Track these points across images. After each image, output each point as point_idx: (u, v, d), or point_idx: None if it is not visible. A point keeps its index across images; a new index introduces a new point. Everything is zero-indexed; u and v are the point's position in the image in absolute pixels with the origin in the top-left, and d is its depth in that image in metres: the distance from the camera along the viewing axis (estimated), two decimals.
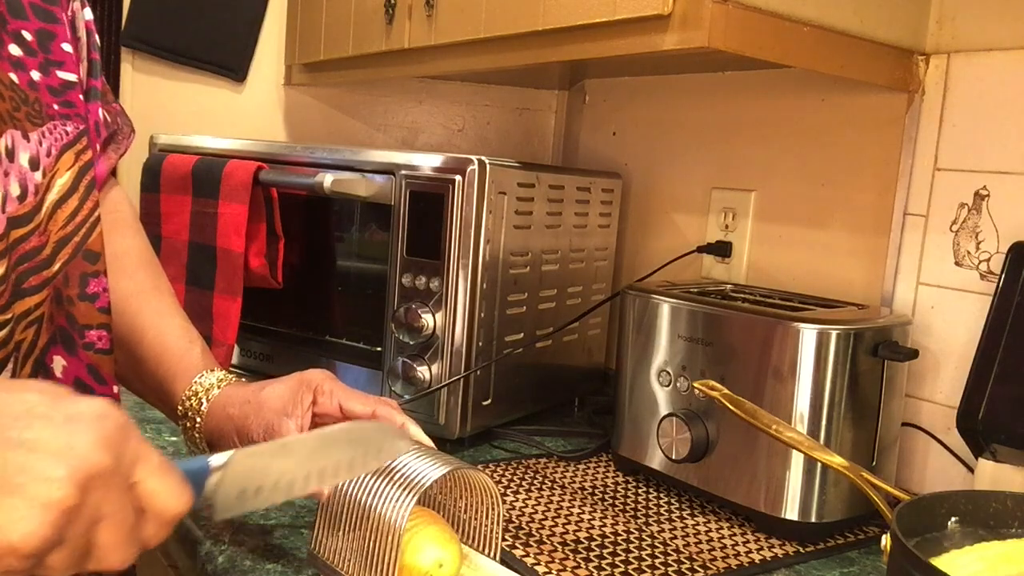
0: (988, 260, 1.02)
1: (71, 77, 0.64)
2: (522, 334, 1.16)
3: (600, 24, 0.92)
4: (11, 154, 0.57)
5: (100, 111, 0.73)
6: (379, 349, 1.13)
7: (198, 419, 0.75)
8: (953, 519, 0.69)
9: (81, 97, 0.66)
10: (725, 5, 0.84)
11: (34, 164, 0.59)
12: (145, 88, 1.49)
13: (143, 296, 0.80)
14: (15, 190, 0.57)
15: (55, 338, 0.63)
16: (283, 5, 1.52)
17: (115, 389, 0.70)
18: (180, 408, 0.77)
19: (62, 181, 0.62)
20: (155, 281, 0.82)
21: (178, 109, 1.50)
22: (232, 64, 1.51)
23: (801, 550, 0.89)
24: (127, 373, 0.78)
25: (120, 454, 0.44)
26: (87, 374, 0.65)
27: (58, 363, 0.63)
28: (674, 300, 1.00)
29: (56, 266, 0.62)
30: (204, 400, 0.75)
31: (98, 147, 0.72)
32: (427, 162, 1.07)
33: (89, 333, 0.65)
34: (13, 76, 0.59)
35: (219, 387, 0.76)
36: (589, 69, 1.47)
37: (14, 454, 0.41)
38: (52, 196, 0.61)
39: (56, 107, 0.62)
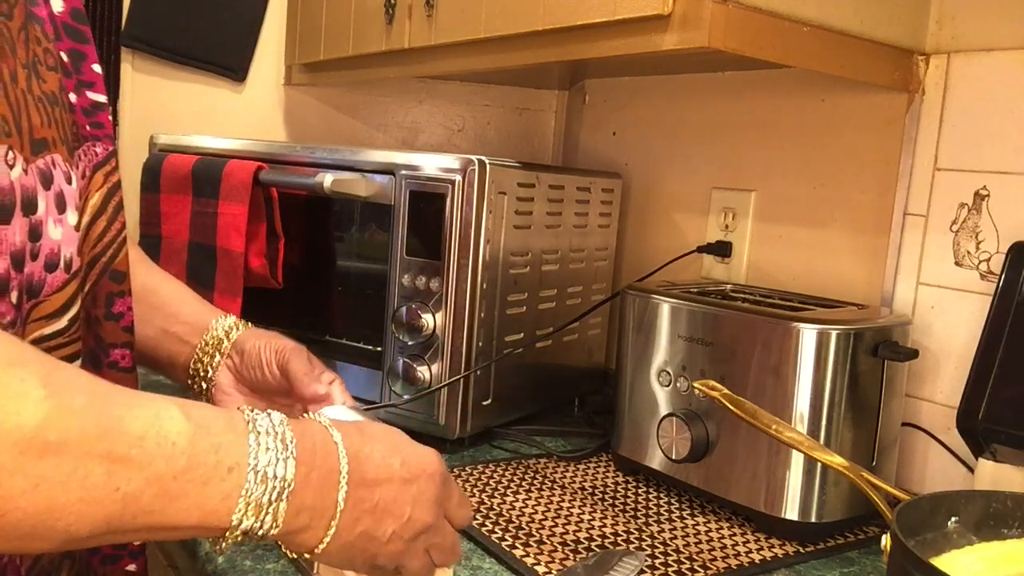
0: (988, 260, 1.02)
1: (101, 98, 0.65)
2: (522, 334, 1.16)
3: (600, 24, 0.92)
4: (69, 179, 0.59)
5: None
6: (379, 349, 1.13)
7: (237, 329, 0.81)
8: (953, 519, 0.69)
9: (109, 118, 0.67)
10: (725, 5, 0.84)
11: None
12: (145, 88, 1.49)
13: (144, 263, 0.85)
14: (75, 218, 0.59)
15: (85, 357, 0.63)
16: (283, 5, 1.52)
17: None
18: (214, 323, 0.81)
19: (92, 202, 0.63)
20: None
21: (178, 109, 1.50)
22: (232, 64, 1.51)
23: (801, 550, 0.89)
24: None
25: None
26: None
27: None
28: (674, 300, 1.00)
29: (86, 286, 0.63)
30: (242, 326, 0.82)
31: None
32: (427, 162, 1.07)
33: (113, 352, 0.66)
34: (73, 98, 0.61)
35: (240, 327, 0.82)
36: (589, 69, 1.47)
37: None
38: (85, 218, 0.62)
39: (88, 128, 0.63)
